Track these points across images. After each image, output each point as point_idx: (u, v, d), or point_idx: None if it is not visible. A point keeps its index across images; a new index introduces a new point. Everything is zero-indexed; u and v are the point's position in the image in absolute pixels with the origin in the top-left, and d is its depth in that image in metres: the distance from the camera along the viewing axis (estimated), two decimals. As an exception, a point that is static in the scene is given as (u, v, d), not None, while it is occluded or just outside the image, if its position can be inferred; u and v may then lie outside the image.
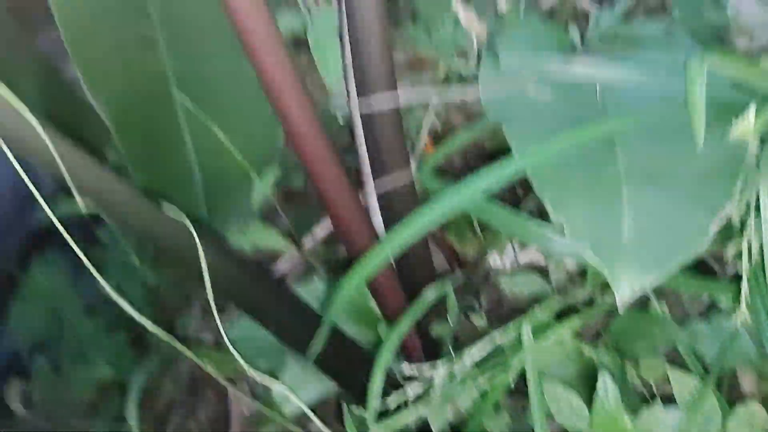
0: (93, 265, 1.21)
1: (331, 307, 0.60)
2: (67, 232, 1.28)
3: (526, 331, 0.59)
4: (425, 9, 0.91)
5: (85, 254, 1.26)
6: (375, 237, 0.68)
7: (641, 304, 0.73)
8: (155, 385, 1.15)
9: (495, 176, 0.53)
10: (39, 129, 0.48)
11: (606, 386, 0.58)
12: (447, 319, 0.77)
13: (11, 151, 0.52)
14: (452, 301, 0.78)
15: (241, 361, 0.66)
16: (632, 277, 0.50)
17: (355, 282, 0.58)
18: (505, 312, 0.87)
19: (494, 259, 1.01)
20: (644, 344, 0.67)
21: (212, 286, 0.59)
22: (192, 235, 0.59)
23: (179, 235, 0.60)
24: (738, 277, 0.56)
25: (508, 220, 0.57)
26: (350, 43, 0.58)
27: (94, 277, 1.19)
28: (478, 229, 0.89)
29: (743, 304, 0.54)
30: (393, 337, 0.64)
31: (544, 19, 0.89)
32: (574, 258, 0.53)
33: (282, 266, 1.15)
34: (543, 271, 0.84)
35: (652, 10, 1.05)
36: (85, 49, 0.94)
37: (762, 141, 0.48)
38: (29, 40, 1.19)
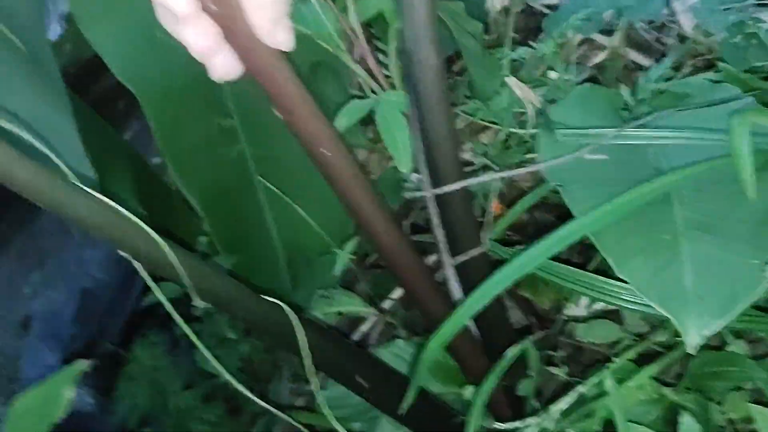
0: (189, 342, 1.29)
1: (417, 370, 0.66)
2: (162, 312, 1.38)
3: (610, 379, 0.62)
4: (481, 83, 0.98)
5: (180, 331, 1.35)
6: (450, 305, 0.74)
7: (720, 343, 0.76)
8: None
9: (558, 240, 0.58)
10: (162, 244, 0.55)
11: (688, 427, 0.61)
12: (529, 374, 0.81)
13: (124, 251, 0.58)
14: (534, 357, 0.82)
15: (334, 422, 0.72)
16: (699, 323, 0.54)
17: (435, 348, 0.63)
18: (585, 360, 0.90)
19: (570, 309, 1.05)
20: (724, 384, 0.70)
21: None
22: (289, 316, 0.65)
23: (278, 316, 0.66)
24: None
25: (575, 279, 0.61)
26: (420, 131, 0.65)
27: (191, 353, 1.28)
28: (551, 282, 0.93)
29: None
30: (479, 400, 0.69)
31: (593, 81, 0.94)
32: (642, 310, 0.57)
33: (365, 329, 1.21)
34: (618, 317, 0.87)
35: (699, 61, 1.10)
36: (173, 141, 1.03)
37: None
38: (116, 133, 1.30)
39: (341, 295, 1.06)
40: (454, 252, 0.71)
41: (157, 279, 0.87)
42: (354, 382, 0.79)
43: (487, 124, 1.00)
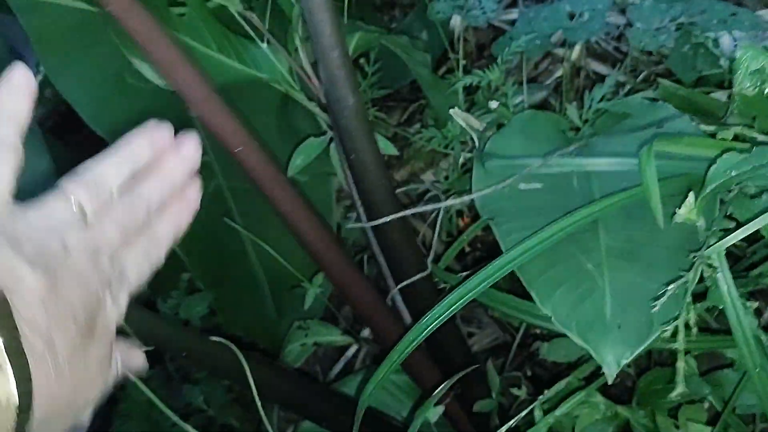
0: (182, 375, 1.32)
1: (366, 392, 0.68)
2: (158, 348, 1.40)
3: (537, 409, 0.64)
4: (438, 110, 1.00)
5: (173, 365, 1.37)
6: (403, 329, 0.76)
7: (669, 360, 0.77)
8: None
9: (487, 276, 0.60)
10: None
11: None
12: (490, 395, 0.83)
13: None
14: (493, 379, 0.84)
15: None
16: (617, 352, 0.56)
17: (387, 369, 0.65)
18: (548, 378, 0.92)
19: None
20: (670, 401, 0.71)
21: (261, 394, 0.67)
22: (236, 353, 0.68)
23: (224, 354, 0.69)
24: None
25: (512, 306, 0.63)
26: (348, 165, 0.68)
27: (184, 388, 1.30)
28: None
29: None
30: (426, 407, 0.71)
31: (538, 106, 0.96)
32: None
33: (350, 355, 1.23)
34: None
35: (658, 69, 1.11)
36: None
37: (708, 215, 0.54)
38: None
39: (317, 326, 1.08)
40: (401, 277, 0.74)
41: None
42: (314, 414, 0.81)
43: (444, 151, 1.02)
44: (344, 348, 1.22)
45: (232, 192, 1.18)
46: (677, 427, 0.75)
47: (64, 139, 1.26)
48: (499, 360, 1.03)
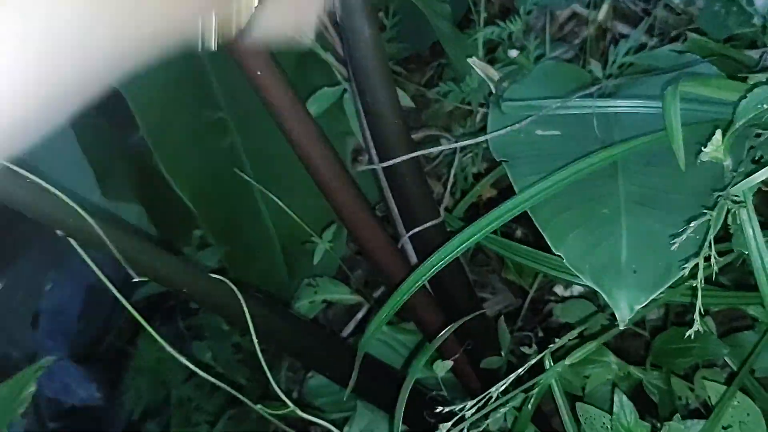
0: (190, 332, 1.31)
1: (368, 332, 0.66)
2: (167, 306, 1.40)
3: (548, 358, 0.62)
4: (456, 64, 0.97)
5: (184, 323, 1.37)
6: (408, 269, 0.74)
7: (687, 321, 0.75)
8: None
9: (499, 215, 0.57)
10: (88, 218, 0.55)
11: (621, 402, 0.60)
12: (500, 353, 0.81)
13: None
14: (504, 335, 0.81)
15: (299, 412, 0.72)
16: (630, 297, 0.53)
17: (390, 309, 0.63)
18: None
19: (559, 289, 1.04)
20: (686, 360, 0.69)
21: (260, 337, 0.66)
22: (235, 292, 0.66)
23: (223, 292, 0.67)
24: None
25: (518, 252, 0.61)
26: (362, 104, 0.65)
27: (194, 345, 1.30)
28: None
29: None
30: (427, 349, 0.69)
31: (562, 58, 0.93)
32: (578, 281, 0.56)
33: (360, 317, 1.21)
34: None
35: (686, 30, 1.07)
36: (162, 137, 1.05)
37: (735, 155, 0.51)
38: (121, 138, 1.33)
39: (327, 284, 1.06)
40: (413, 224, 0.71)
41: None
42: (321, 367, 0.79)
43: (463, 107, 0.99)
44: (356, 309, 1.21)
45: (246, 151, 1.16)
46: (692, 390, 0.72)
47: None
48: (513, 326, 1.01)
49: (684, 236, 0.49)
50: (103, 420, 1.35)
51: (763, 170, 0.46)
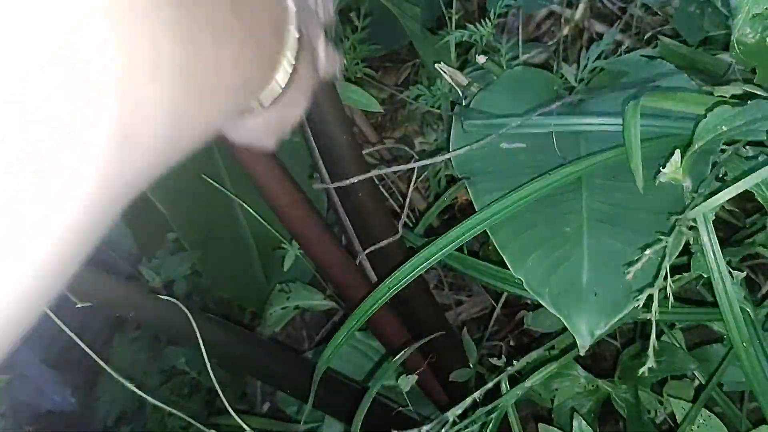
0: (167, 338, 1.29)
1: (325, 354, 0.64)
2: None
3: (504, 382, 0.61)
4: (429, 67, 0.96)
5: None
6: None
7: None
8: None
9: (457, 236, 0.56)
10: None
11: (580, 429, 0.59)
12: (468, 365, 0.80)
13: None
14: (470, 347, 0.80)
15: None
16: (591, 321, 0.52)
17: (348, 330, 0.62)
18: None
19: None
20: (653, 374, 0.68)
21: (218, 360, 0.64)
22: (186, 314, 0.64)
23: (173, 314, 0.65)
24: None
25: (479, 270, 0.59)
26: (307, 123, 0.64)
27: (167, 350, 1.28)
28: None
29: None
30: (388, 367, 0.68)
31: (535, 60, 0.91)
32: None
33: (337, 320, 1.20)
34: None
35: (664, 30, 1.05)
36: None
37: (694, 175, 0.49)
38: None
39: (300, 289, 1.05)
40: (369, 241, 0.70)
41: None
42: (274, 380, 0.77)
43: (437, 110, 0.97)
44: (332, 314, 1.19)
45: (221, 152, 1.14)
46: (661, 403, 0.71)
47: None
48: (484, 332, 1.00)
49: (639, 264, 0.47)
50: (78, 425, 1.34)
51: (719, 194, 0.44)
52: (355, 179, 0.61)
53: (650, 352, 0.46)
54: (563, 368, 0.71)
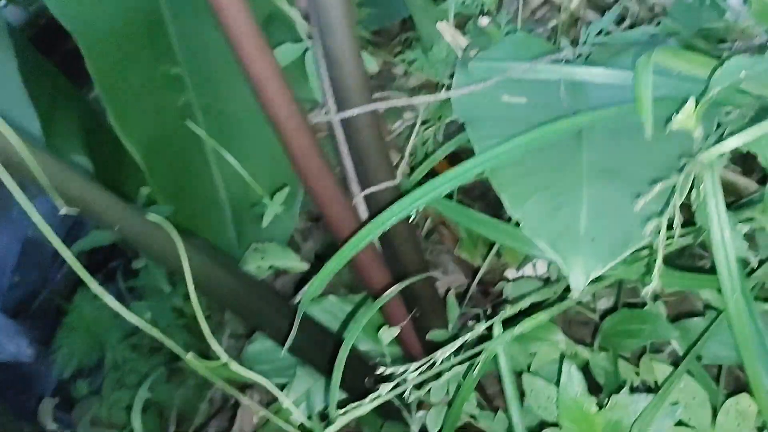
0: (130, 292, 1.26)
1: (311, 288, 0.63)
2: (108, 263, 1.34)
3: (497, 325, 0.60)
4: (424, 32, 0.95)
5: (125, 284, 1.32)
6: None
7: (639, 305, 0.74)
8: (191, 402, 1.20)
9: (456, 175, 0.55)
10: (16, 140, 0.51)
11: (570, 374, 0.59)
12: (446, 326, 0.79)
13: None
14: (452, 309, 0.80)
15: (241, 371, 0.69)
16: (586, 265, 0.51)
17: (338, 261, 0.60)
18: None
19: (512, 274, 1.03)
20: (634, 341, 0.68)
21: (201, 289, 0.62)
22: (171, 237, 0.62)
23: (160, 235, 0.63)
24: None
25: (469, 218, 0.59)
26: (323, 52, 0.62)
27: (133, 305, 1.25)
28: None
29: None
30: (371, 308, 0.66)
31: (529, 31, 0.91)
32: (531, 251, 0.55)
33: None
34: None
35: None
36: (114, 86, 1.00)
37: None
38: (79, 93, 1.27)
39: (274, 249, 1.03)
40: (368, 183, 0.69)
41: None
42: (255, 318, 0.76)
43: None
44: (307, 278, 1.18)
45: (203, 110, 1.12)
46: (637, 374, 0.71)
47: (48, 51, 1.22)
48: (462, 304, 0.99)
49: (649, 196, 0.47)
50: (33, 377, 1.30)
51: (736, 136, 0.44)
52: (364, 108, 0.60)
53: (655, 274, 0.45)
54: (542, 332, 0.71)
